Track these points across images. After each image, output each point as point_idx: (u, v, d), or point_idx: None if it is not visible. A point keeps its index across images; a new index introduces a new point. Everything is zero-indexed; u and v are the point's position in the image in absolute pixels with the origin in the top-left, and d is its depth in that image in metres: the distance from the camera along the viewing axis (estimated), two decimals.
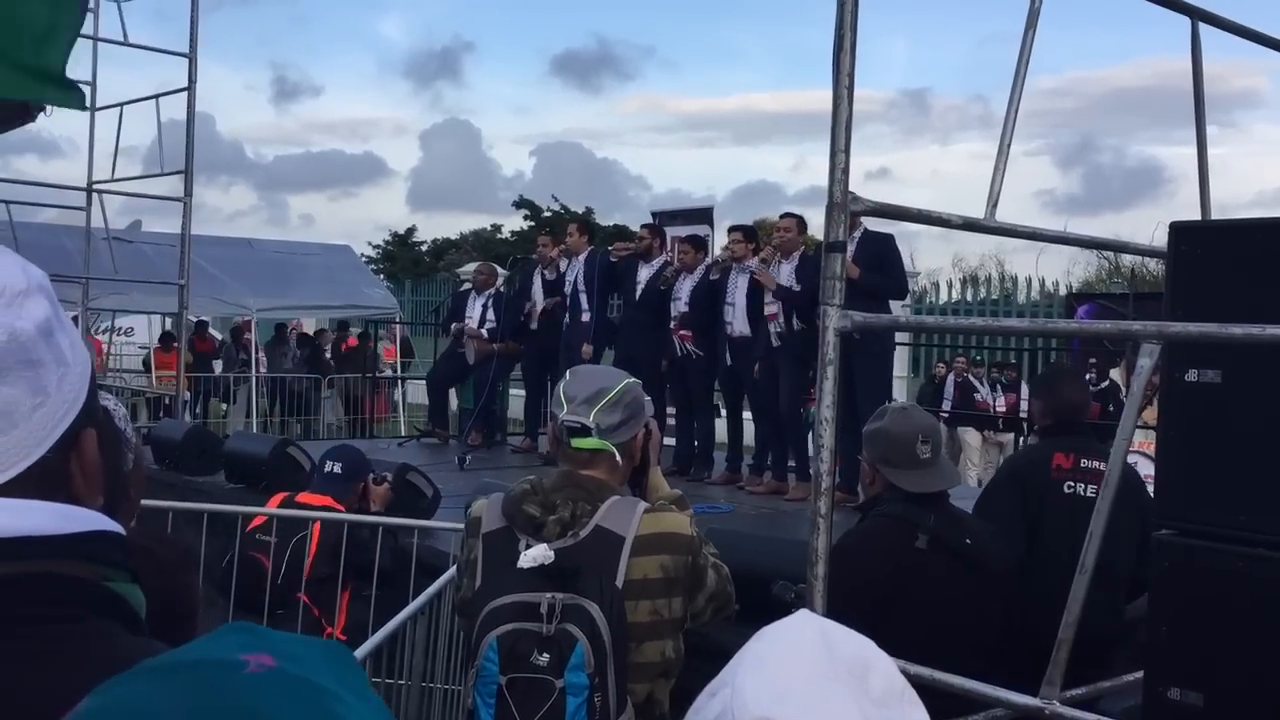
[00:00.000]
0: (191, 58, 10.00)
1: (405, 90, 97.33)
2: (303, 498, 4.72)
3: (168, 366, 14.36)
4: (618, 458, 2.31)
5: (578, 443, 2.30)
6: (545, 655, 2.10)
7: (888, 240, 7.27)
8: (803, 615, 1.00)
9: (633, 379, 2.41)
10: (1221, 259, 2.50)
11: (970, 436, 14.51)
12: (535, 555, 2.15)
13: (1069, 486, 3.79)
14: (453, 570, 3.77)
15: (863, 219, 6.42)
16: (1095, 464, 3.81)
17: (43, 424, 0.90)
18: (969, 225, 2.97)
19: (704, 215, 11.49)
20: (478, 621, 2.17)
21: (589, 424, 2.28)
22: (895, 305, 8.14)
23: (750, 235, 8.42)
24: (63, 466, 0.92)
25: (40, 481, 0.90)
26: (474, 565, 2.29)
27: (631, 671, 2.17)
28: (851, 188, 2.75)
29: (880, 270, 7.04)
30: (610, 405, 2.30)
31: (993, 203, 2.99)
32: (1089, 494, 3.76)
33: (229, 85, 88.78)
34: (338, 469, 4.76)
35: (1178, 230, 2.58)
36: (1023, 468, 4.05)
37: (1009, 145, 3.02)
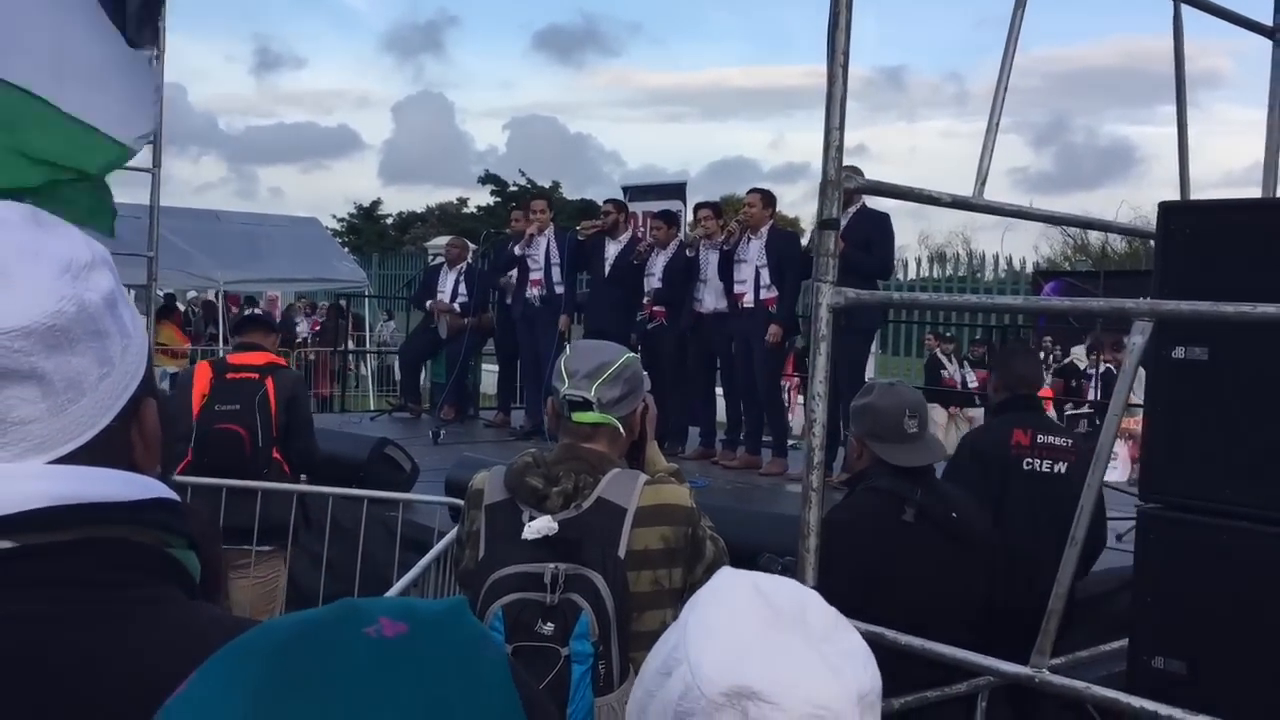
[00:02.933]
0: (160, 27, 9.84)
1: (388, 64, 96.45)
2: (236, 358, 4.93)
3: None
4: (620, 430, 2.34)
5: (579, 416, 2.32)
6: (550, 624, 2.12)
7: (883, 220, 7.26)
8: (728, 574, 1.01)
9: (632, 354, 2.43)
10: (1209, 237, 2.55)
11: (936, 413, 14.66)
12: (539, 527, 2.17)
13: (1028, 464, 3.87)
14: (440, 545, 3.78)
15: (862, 195, 6.42)
16: (1051, 439, 3.91)
17: (109, 393, 0.92)
18: (959, 203, 3.01)
19: (676, 190, 11.48)
20: (482, 592, 2.19)
21: (590, 398, 2.30)
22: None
23: (718, 212, 8.45)
24: (125, 435, 0.94)
25: (105, 449, 0.92)
26: (476, 537, 2.31)
27: (634, 640, 2.20)
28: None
29: (869, 249, 7.05)
30: (611, 379, 2.32)
31: (981, 180, 3.03)
32: (1045, 469, 3.85)
33: (209, 56, 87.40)
34: (258, 311, 5.26)
35: (1166, 209, 2.62)
36: (985, 446, 4.12)
37: (998, 124, 3.05)
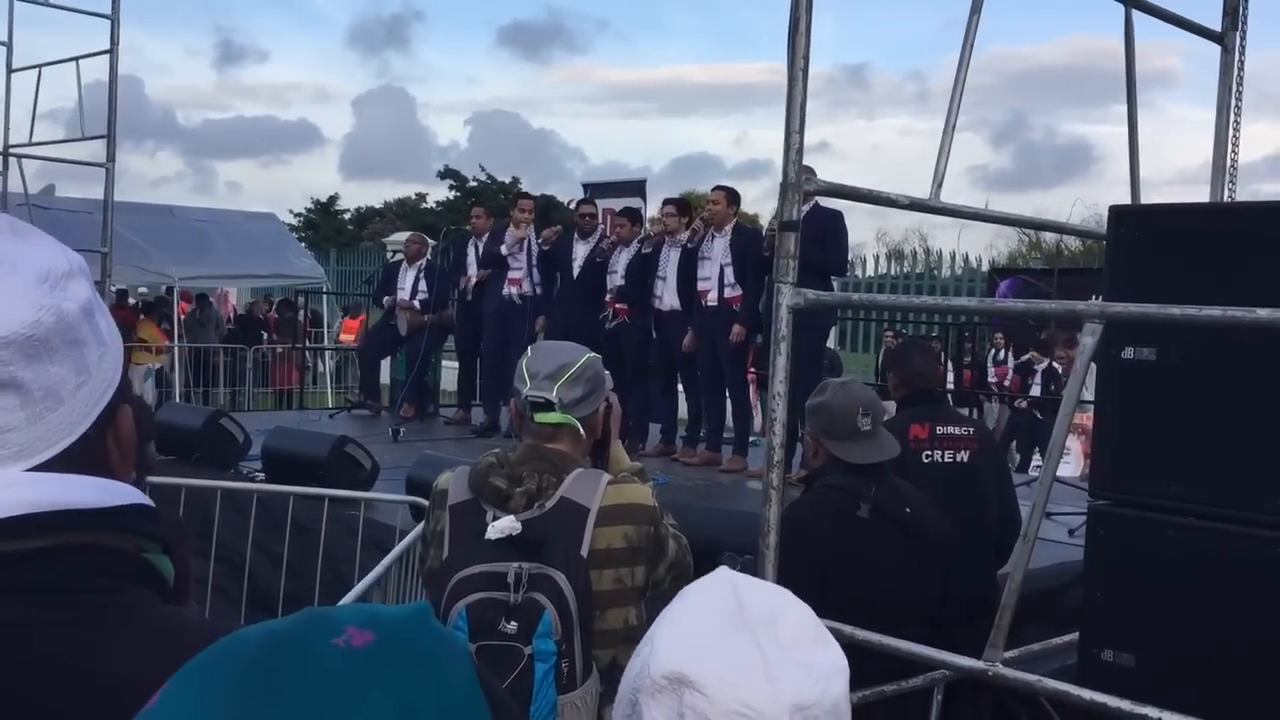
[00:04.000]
0: (114, 20, 9.72)
1: (352, 59, 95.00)
2: None
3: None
4: (581, 431, 2.36)
5: (541, 417, 2.34)
6: (513, 623, 2.14)
7: (836, 217, 7.28)
8: (719, 573, 1.07)
9: (593, 354, 2.45)
10: (1158, 241, 2.61)
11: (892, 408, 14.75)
12: (503, 527, 2.19)
13: (927, 456, 3.96)
14: (402, 545, 3.79)
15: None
16: (950, 429, 4.01)
17: (86, 401, 0.93)
18: (916, 205, 3.05)
19: (636, 188, 11.49)
20: (446, 591, 2.20)
21: (552, 399, 2.32)
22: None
23: (683, 208, 8.45)
24: (102, 442, 0.95)
25: (82, 457, 0.93)
26: (440, 536, 2.33)
27: (596, 638, 2.22)
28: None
29: (823, 246, 7.10)
30: (573, 380, 2.34)
31: (938, 183, 3.08)
32: (946, 460, 3.95)
33: (168, 49, 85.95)
34: None
35: (1117, 213, 2.69)
36: None
37: (954, 126, 3.10)
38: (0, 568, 0.87)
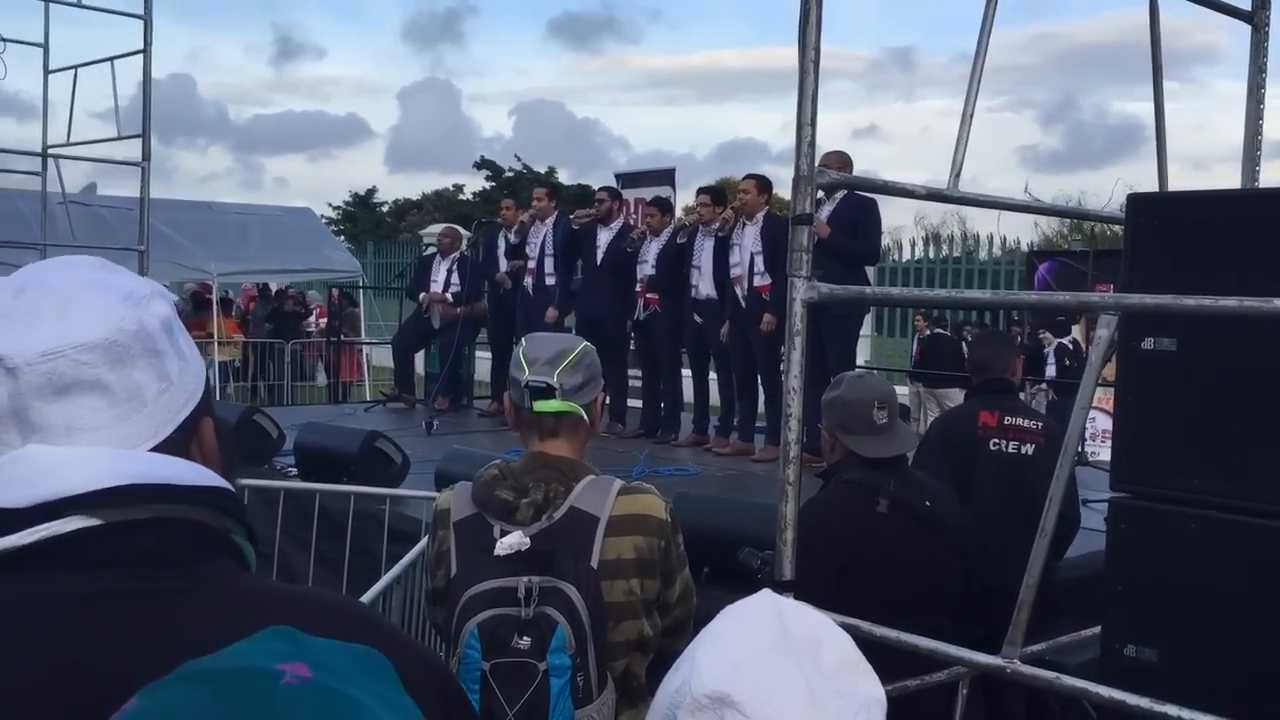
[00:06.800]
0: (147, 20, 9.80)
1: (406, 53, 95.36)
2: None
3: (200, 327, 14.54)
4: (584, 418, 2.30)
5: (540, 405, 2.26)
6: (526, 639, 2.07)
7: (869, 206, 7.17)
8: (763, 595, 1.07)
9: (588, 343, 2.37)
10: (1177, 229, 2.56)
11: (956, 396, 14.62)
12: (511, 543, 2.13)
13: (994, 444, 3.95)
14: (420, 546, 3.80)
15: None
16: (1018, 421, 3.99)
17: (168, 407, 1.01)
18: (933, 195, 3.01)
19: (666, 177, 11.47)
20: (456, 610, 2.13)
21: (553, 384, 2.25)
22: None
23: (719, 197, 8.41)
24: (185, 449, 1.02)
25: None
26: (447, 555, 2.27)
27: (610, 649, 2.17)
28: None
29: (855, 234, 7.03)
30: (572, 366, 2.27)
31: (956, 173, 3.03)
32: (1011, 450, 3.93)
33: (225, 47, 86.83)
34: None
35: (1135, 201, 2.63)
36: (952, 428, 4.19)
37: (971, 117, 3.06)
38: (100, 540, 0.93)
